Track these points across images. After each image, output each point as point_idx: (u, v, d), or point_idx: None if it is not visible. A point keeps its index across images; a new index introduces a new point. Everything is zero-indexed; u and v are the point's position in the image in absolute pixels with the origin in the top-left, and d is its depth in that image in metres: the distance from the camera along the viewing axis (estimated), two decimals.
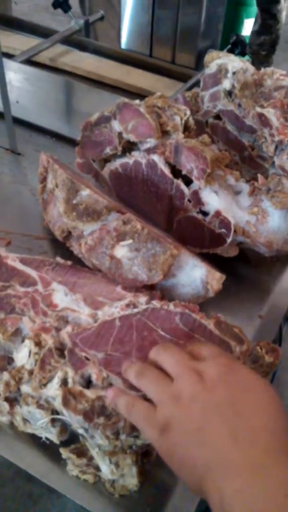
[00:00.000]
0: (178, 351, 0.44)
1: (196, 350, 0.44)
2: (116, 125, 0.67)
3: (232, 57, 0.74)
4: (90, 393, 0.45)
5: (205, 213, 0.64)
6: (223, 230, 0.62)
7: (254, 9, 1.74)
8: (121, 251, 0.56)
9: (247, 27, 1.82)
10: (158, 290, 0.57)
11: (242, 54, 1.01)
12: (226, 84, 0.72)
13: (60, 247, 0.66)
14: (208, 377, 0.40)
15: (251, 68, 0.73)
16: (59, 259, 0.60)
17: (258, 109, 0.68)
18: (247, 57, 1.13)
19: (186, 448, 0.38)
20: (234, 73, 0.72)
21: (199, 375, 0.40)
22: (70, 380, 0.46)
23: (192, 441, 0.38)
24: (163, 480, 0.48)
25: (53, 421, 0.46)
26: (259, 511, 0.33)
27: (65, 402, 0.44)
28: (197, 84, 1.07)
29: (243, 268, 0.70)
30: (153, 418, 0.40)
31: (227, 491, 0.35)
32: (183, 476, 0.39)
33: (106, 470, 0.45)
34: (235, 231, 0.62)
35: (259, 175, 0.64)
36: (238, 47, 1.01)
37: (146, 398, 0.43)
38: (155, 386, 0.42)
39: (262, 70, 0.74)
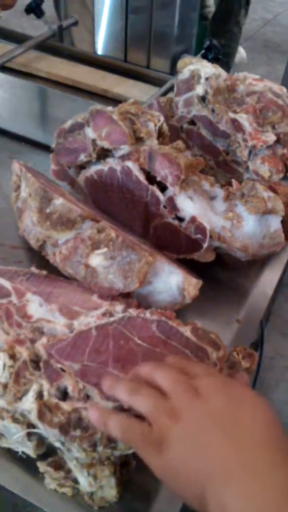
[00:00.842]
0: (172, 368, 0.43)
1: (188, 368, 0.44)
2: (89, 132, 0.67)
3: (204, 62, 0.75)
4: (66, 406, 0.44)
5: (180, 219, 0.64)
6: (199, 235, 0.63)
7: None
8: (96, 259, 0.55)
9: None
10: (135, 298, 0.57)
11: (216, 59, 1.02)
12: (199, 89, 0.73)
13: (36, 255, 0.65)
14: (204, 391, 0.40)
15: (224, 74, 0.73)
16: (33, 269, 0.59)
17: (231, 115, 0.69)
18: None
19: (187, 462, 0.37)
20: (206, 79, 0.72)
21: (195, 390, 0.40)
22: (45, 393, 0.45)
23: (192, 454, 0.37)
24: (143, 489, 0.48)
25: (29, 434, 0.45)
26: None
27: (41, 416, 0.43)
28: (172, 89, 1.07)
29: (220, 272, 0.70)
30: (150, 436, 0.39)
31: (228, 496, 0.35)
32: (186, 494, 0.38)
33: (84, 482, 0.45)
34: (210, 236, 0.62)
35: (233, 180, 0.65)
36: (211, 52, 1.02)
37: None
38: (151, 403, 0.40)
39: (235, 75, 0.74)
